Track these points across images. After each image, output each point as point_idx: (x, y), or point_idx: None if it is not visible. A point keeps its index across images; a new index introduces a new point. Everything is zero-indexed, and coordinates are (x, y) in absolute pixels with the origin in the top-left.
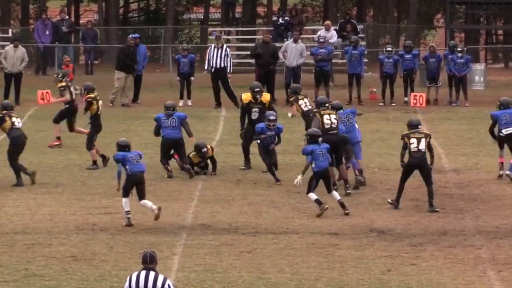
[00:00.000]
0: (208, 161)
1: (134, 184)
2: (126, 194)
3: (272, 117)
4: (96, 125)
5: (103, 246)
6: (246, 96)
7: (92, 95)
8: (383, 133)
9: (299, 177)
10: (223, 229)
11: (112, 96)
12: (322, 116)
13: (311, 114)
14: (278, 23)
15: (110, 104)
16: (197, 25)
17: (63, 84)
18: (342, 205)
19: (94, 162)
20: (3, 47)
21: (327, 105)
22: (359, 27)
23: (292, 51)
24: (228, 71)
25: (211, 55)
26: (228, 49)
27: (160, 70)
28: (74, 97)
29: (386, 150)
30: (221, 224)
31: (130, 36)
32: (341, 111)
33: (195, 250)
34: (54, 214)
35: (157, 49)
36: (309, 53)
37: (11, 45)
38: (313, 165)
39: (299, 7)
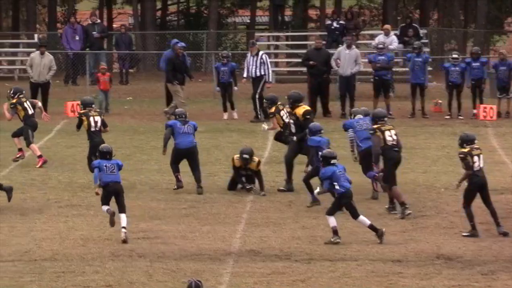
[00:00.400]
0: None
1: (111, 194)
2: (105, 202)
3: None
4: (92, 143)
5: (142, 274)
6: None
7: (83, 111)
8: (449, 149)
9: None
10: (274, 255)
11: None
12: (383, 132)
13: (371, 132)
14: (332, 27)
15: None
16: (243, 30)
17: (14, 101)
18: (373, 228)
19: None
20: (28, 54)
21: (386, 119)
22: (422, 31)
23: (346, 58)
24: (267, 80)
25: (248, 63)
26: (264, 56)
27: (202, 79)
28: (30, 112)
29: (453, 168)
30: (271, 250)
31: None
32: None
33: (243, 279)
34: (87, 239)
35: (198, 56)
36: (367, 60)
37: (37, 52)
38: (337, 186)
39: (355, 10)
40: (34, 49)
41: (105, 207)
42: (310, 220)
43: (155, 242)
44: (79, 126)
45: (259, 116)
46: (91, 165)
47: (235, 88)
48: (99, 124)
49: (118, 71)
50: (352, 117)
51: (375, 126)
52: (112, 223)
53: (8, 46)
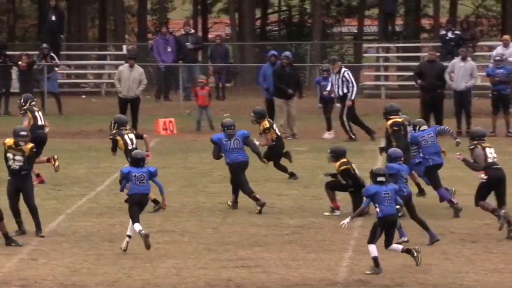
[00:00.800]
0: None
1: (136, 205)
2: (135, 220)
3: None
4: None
5: None
6: None
7: (115, 131)
8: None
9: (347, 220)
10: (383, 285)
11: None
12: (484, 149)
13: (471, 147)
14: (447, 38)
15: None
16: (350, 41)
17: (25, 108)
18: (408, 251)
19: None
20: (116, 67)
21: (485, 138)
22: None
23: (460, 71)
24: (349, 97)
25: (332, 81)
26: (347, 73)
27: (306, 94)
28: (40, 123)
29: None
30: (381, 279)
31: (284, 54)
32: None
33: None
34: (181, 268)
35: (301, 69)
36: (484, 74)
37: (126, 65)
38: (378, 209)
39: (472, 19)
40: (122, 62)
41: (137, 226)
42: (423, 247)
43: (255, 271)
44: (114, 148)
45: (352, 137)
46: (120, 173)
47: (337, 104)
48: (134, 141)
49: (214, 86)
50: (417, 128)
51: (474, 142)
52: (148, 246)
53: (95, 58)
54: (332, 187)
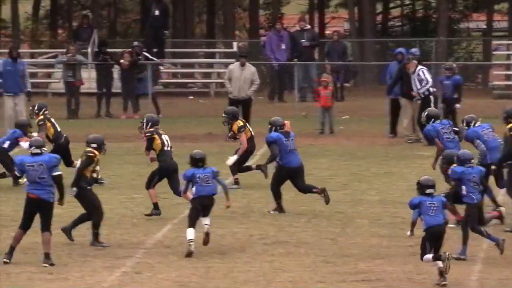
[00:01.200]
0: None
1: (201, 207)
2: (192, 223)
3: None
4: (164, 164)
5: None
6: None
7: (152, 129)
8: None
9: (408, 233)
10: None
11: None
12: None
13: None
14: None
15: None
16: (478, 37)
17: (41, 117)
18: (441, 274)
19: (154, 205)
20: (226, 65)
21: None
22: None
23: None
24: (416, 91)
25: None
26: (421, 71)
27: None
28: (59, 129)
29: None
30: None
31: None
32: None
33: None
34: (296, 282)
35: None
36: None
37: (237, 63)
38: (423, 221)
39: None
40: (233, 60)
41: (190, 234)
42: None
43: (376, 285)
44: (149, 148)
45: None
46: (183, 176)
47: (457, 106)
48: (169, 142)
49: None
50: (473, 124)
51: None
52: (190, 254)
53: (203, 56)
54: (449, 199)
